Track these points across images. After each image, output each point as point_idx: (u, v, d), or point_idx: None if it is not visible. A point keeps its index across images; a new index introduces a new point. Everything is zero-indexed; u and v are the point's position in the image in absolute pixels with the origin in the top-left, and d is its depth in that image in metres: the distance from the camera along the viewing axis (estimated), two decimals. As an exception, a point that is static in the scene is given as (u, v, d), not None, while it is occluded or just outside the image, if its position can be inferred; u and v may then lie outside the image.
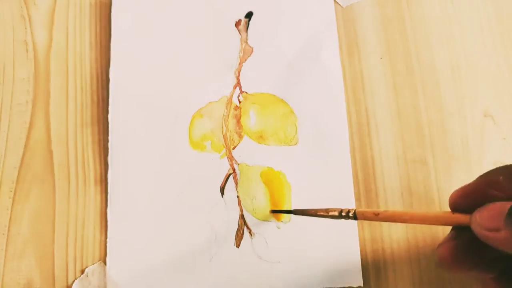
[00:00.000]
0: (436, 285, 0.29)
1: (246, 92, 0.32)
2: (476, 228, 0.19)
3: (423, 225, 0.30)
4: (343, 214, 0.24)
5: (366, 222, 0.30)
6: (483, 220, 0.19)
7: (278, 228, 0.29)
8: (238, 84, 0.32)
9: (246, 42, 0.33)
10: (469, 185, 0.21)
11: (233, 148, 0.31)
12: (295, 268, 0.29)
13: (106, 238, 0.29)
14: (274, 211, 0.29)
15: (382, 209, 0.28)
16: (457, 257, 0.21)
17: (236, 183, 0.30)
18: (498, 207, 0.19)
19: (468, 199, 0.21)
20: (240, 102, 0.32)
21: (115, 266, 0.28)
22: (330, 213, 0.24)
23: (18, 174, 0.30)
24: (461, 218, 0.21)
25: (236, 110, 0.32)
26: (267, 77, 0.32)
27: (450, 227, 0.23)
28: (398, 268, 0.29)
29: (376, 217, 0.23)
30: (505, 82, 0.33)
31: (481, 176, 0.21)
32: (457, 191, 0.22)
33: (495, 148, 0.31)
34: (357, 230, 0.29)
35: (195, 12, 0.33)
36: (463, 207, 0.21)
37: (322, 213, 0.25)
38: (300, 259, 0.29)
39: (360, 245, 0.29)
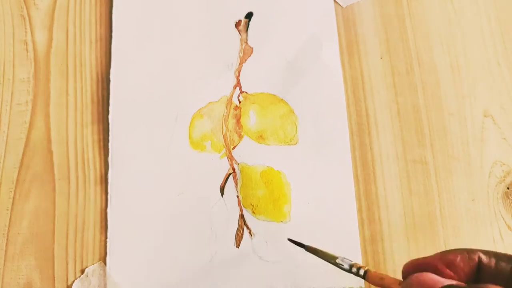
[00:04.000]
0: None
1: (246, 92, 0.32)
2: None
3: (424, 227, 0.30)
4: (353, 270, 0.24)
5: (366, 222, 0.30)
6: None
7: (278, 228, 0.29)
8: (238, 84, 0.32)
9: (246, 42, 0.33)
10: (425, 258, 0.21)
11: (233, 148, 0.31)
12: (295, 268, 0.29)
13: (106, 238, 0.29)
14: (290, 240, 0.27)
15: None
16: None
17: (236, 183, 0.30)
18: (429, 282, 0.19)
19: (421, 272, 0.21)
20: (240, 102, 0.32)
21: (115, 266, 0.28)
22: (339, 263, 0.24)
23: (18, 174, 0.30)
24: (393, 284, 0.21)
25: (236, 110, 0.32)
26: (267, 77, 0.32)
27: None
28: (398, 269, 0.29)
29: (382, 281, 0.22)
30: (505, 82, 0.33)
31: (439, 253, 0.21)
32: (411, 262, 0.22)
33: (495, 148, 0.31)
34: (358, 230, 0.29)
35: (195, 12, 0.33)
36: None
37: (331, 261, 0.24)
38: (300, 259, 0.29)
39: (361, 245, 0.29)
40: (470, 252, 0.21)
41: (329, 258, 0.23)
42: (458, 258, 0.21)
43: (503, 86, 0.33)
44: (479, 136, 0.31)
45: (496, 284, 0.19)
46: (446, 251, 0.21)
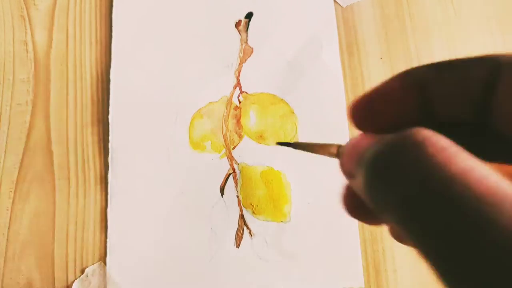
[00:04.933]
0: (437, 286, 0.29)
1: (246, 92, 0.32)
2: (340, 170, 0.15)
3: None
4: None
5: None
6: (343, 162, 0.15)
7: (278, 228, 0.29)
8: (238, 84, 0.32)
9: (246, 43, 0.33)
10: (376, 88, 0.15)
11: (233, 148, 0.31)
12: (295, 268, 0.29)
13: (106, 238, 0.29)
14: (279, 143, 0.24)
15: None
16: (350, 204, 0.16)
17: (236, 183, 0.30)
18: (360, 145, 0.13)
19: (373, 113, 0.15)
20: (240, 102, 0.32)
21: (115, 266, 0.28)
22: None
23: (18, 174, 0.30)
24: (333, 149, 0.16)
25: (236, 110, 0.32)
26: (267, 77, 0.32)
27: None
28: (399, 268, 0.29)
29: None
30: (505, 82, 0.33)
31: (379, 85, 0.15)
32: (358, 98, 0.15)
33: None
34: (358, 230, 0.29)
35: (195, 12, 0.33)
36: (363, 122, 0.16)
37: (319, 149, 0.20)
38: (300, 259, 0.29)
39: (361, 245, 0.29)
40: (406, 72, 0.14)
41: (317, 148, 0.19)
42: (395, 84, 0.15)
43: (503, 86, 0.33)
44: (479, 136, 0.31)
45: (443, 106, 0.14)
46: (385, 80, 0.15)
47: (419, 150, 0.11)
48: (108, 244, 0.29)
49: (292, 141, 0.31)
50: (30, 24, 0.33)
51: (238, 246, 0.29)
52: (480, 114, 0.14)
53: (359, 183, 0.13)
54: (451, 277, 0.11)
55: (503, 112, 0.13)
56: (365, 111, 0.15)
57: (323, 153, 0.17)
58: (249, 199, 0.30)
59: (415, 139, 0.11)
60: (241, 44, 0.33)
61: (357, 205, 0.15)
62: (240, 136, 0.31)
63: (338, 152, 0.16)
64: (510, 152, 0.13)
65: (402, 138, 0.12)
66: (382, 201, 0.12)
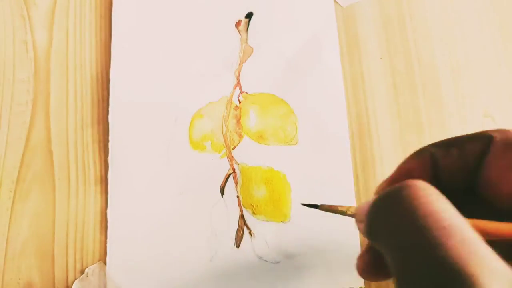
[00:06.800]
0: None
1: (246, 92, 0.32)
2: (356, 222, 0.19)
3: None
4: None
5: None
6: (358, 212, 0.19)
7: (278, 228, 0.29)
8: (238, 84, 0.32)
9: (246, 42, 0.33)
10: (391, 176, 0.19)
11: (233, 148, 0.31)
12: (295, 268, 0.29)
13: (106, 238, 0.29)
14: (304, 204, 0.26)
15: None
16: (370, 270, 0.19)
17: (236, 183, 0.30)
18: (368, 203, 0.17)
19: None
20: (240, 102, 0.32)
21: (115, 266, 0.28)
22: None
23: (18, 174, 0.30)
24: (352, 210, 0.20)
25: (236, 110, 0.32)
26: (267, 77, 0.32)
27: None
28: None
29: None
30: (505, 82, 0.33)
31: (399, 166, 0.19)
32: (382, 184, 0.20)
33: (495, 148, 0.31)
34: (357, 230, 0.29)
35: (195, 12, 0.33)
36: None
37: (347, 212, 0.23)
38: (300, 259, 0.29)
39: (360, 246, 0.29)
40: (420, 151, 0.19)
41: (341, 212, 0.22)
42: (412, 163, 0.19)
43: (503, 86, 0.33)
44: (479, 136, 0.31)
45: (450, 176, 0.17)
46: (403, 161, 0.19)
47: (405, 195, 0.14)
48: (108, 244, 0.29)
49: (292, 142, 0.31)
50: (30, 24, 0.33)
51: (238, 246, 0.29)
52: (473, 181, 0.17)
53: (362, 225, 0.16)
54: None
55: (487, 179, 0.16)
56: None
57: (343, 214, 0.21)
58: (249, 199, 0.30)
59: (402, 187, 0.15)
60: (241, 44, 0.33)
61: (367, 270, 0.19)
62: (240, 136, 0.31)
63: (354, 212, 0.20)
64: (492, 214, 0.16)
65: (393, 188, 0.15)
66: (375, 235, 0.15)
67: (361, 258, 0.20)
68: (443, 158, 0.18)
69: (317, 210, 0.23)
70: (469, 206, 0.16)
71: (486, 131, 0.17)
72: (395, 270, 0.14)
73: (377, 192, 0.20)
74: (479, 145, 0.17)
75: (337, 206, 0.22)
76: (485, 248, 0.12)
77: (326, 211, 0.23)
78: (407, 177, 0.17)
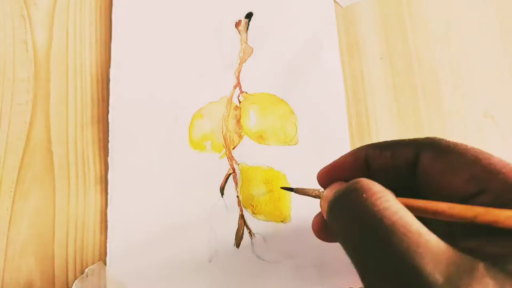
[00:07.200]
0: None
1: (246, 92, 0.32)
2: (321, 208, 0.21)
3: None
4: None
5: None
6: (321, 202, 0.21)
7: (278, 228, 0.29)
8: (238, 84, 0.32)
9: (246, 43, 0.33)
10: (336, 161, 0.22)
11: (233, 148, 0.31)
12: (295, 268, 0.29)
13: (106, 238, 0.29)
14: (282, 188, 0.27)
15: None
16: (323, 229, 0.23)
17: (236, 183, 0.30)
18: (328, 194, 0.20)
19: (335, 177, 0.21)
20: (240, 102, 0.32)
21: (115, 266, 0.28)
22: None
23: (18, 174, 0.30)
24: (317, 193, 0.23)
25: (236, 110, 0.32)
26: (267, 77, 0.32)
27: None
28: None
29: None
30: (505, 82, 0.33)
31: (336, 160, 0.22)
32: (323, 169, 0.22)
33: (495, 148, 0.31)
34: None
35: (195, 12, 0.33)
36: (327, 184, 0.22)
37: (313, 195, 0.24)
38: (300, 259, 0.29)
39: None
40: (356, 149, 0.21)
41: (312, 193, 0.24)
42: (349, 159, 0.21)
43: (503, 86, 0.33)
44: (479, 136, 0.31)
45: (383, 175, 0.19)
46: (354, 150, 0.21)
47: (357, 194, 0.17)
48: (108, 244, 0.29)
49: (292, 142, 0.31)
50: (30, 23, 0.33)
51: (238, 246, 0.29)
52: (409, 183, 0.19)
53: (326, 215, 0.19)
54: None
55: (424, 181, 0.18)
56: (329, 177, 0.22)
57: (311, 195, 0.23)
58: (249, 199, 0.30)
59: (354, 187, 0.17)
60: (241, 44, 0.33)
61: (321, 230, 0.23)
62: (240, 136, 0.31)
63: (320, 195, 0.22)
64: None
65: (347, 187, 0.17)
66: (333, 226, 0.18)
67: (315, 219, 0.23)
68: (376, 159, 0.20)
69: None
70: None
71: (418, 139, 0.19)
72: (356, 269, 0.16)
73: (318, 176, 0.22)
74: (411, 151, 0.19)
75: (307, 189, 0.24)
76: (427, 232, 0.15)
77: (299, 193, 0.25)
78: (341, 172, 0.21)
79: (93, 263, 0.28)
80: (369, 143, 0.21)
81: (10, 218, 0.29)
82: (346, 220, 0.17)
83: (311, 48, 0.33)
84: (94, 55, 0.32)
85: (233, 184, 0.30)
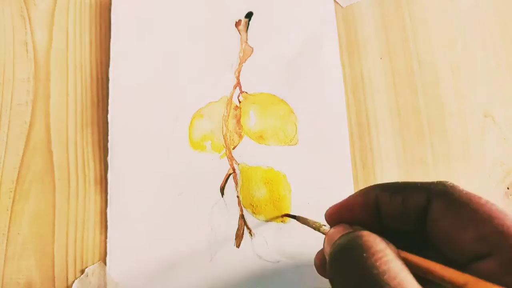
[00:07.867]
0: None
1: (246, 92, 0.32)
2: (324, 247, 0.21)
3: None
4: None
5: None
6: (325, 243, 0.20)
7: (278, 228, 0.29)
8: (238, 84, 0.32)
9: (246, 42, 0.33)
10: (345, 201, 0.21)
11: (233, 148, 0.31)
12: (295, 268, 0.29)
13: (106, 238, 0.29)
14: (286, 215, 0.29)
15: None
16: (325, 266, 0.21)
17: (236, 183, 0.30)
18: (333, 236, 0.19)
19: (344, 217, 0.21)
20: (240, 102, 0.32)
21: (115, 266, 0.28)
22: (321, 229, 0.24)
23: (18, 174, 0.30)
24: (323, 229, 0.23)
25: (236, 110, 0.32)
26: (267, 77, 0.32)
27: None
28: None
29: None
30: (505, 82, 0.33)
31: (345, 200, 0.21)
32: (332, 207, 0.22)
33: (495, 148, 0.31)
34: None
35: (195, 12, 0.33)
36: (336, 223, 0.21)
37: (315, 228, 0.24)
38: (300, 259, 0.29)
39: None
40: (366, 191, 0.20)
41: (312, 224, 0.24)
42: (358, 200, 0.20)
43: (503, 86, 0.33)
44: (479, 136, 0.31)
45: (394, 220, 0.19)
46: (364, 190, 0.21)
47: (357, 252, 0.16)
48: (108, 244, 0.29)
49: (292, 142, 0.31)
50: (30, 24, 0.33)
51: (238, 246, 0.29)
52: (419, 228, 0.18)
53: (327, 257, 0.18)
54: None
55: (434, 231, 0.18)
56: (337, 216, 0.21)
57: (311, 227, 0.24)
58: (249, 199, 0.30)
59: (356, 243, 0.17)
60: (241, 44, 0.33)
61: (324, 267, 0.22)
62: (240, 136, 0.31)
63: (321, 229, 0.23)
64: (437, 256, 0.17)
65: (349, 240, 0.17)
66: (332, 281, 0.17)
67: (317, 256, 0.23)
68: (386, 204, 0.19)
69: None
70: (423, 250, 0.18)
71: (430, 184, 0.19)
72: None
73: (326, 215, 0.22)
74: (422, 198, 0.18)
75: (310, 220, 0.24)
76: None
77: (301, 222, 0.25)
78: (350, 213, 0.21)
79: (93, 263, 0.28)
80: (378, 183, 0.21)
81: (10, 218, 0.29)
82: (345, 278, 0.17)
83: (311, 48, 0.33)
84: (94, 55, 0.32)
85: (233, 184, 0.30)
